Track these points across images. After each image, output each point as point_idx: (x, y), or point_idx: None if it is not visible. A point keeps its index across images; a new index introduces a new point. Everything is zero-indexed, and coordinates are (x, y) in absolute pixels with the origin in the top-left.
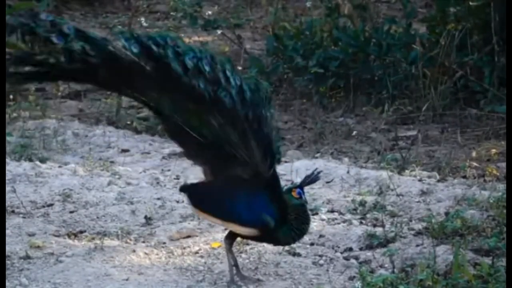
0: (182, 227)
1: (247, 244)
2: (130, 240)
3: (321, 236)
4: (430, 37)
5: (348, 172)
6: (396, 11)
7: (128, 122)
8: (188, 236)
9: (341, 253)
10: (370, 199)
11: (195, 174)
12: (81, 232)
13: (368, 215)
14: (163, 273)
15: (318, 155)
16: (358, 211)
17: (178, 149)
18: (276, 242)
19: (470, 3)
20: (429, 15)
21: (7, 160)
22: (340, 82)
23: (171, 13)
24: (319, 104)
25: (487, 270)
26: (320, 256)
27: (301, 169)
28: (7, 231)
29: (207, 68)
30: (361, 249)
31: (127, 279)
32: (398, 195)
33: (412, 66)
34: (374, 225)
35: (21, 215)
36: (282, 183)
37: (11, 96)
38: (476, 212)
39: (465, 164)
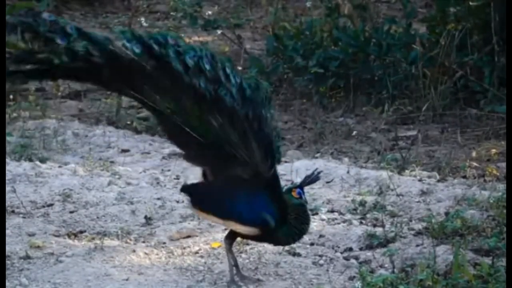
0: (182, 227)
1: (247, 244)
2: (130, 240)
3: (321, 236)
4: (430, 37)
5: (348, 172)
6: (396, 11)
7: (128, 122)
8: (188, 236)
9: (341, 253)
10: (370, 199)
11: (195, 174)
12: (81, 232)
13: (368, 215)
14: (163, 273)
15: (318, 155)
16: (358, 211)
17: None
18: (276, 242)
19: (470, 3)
20: (429, 15)
21: (7, 160)
22: (340, 82)
23: (171, 13)
24: (319, 104)
25: (487, 270)
26: (320, 256)
27: (301, 169)
28: (7, 231)
29: (207, 67)
30: (361, 249)
31: (127, 279)
32: (398, 195)
33: (412, 66)
34: (374, 225)
35: (21, 215)
36: (282, 183)
37: (11, 96)
38: (476, 212)
39: (465, 164)
